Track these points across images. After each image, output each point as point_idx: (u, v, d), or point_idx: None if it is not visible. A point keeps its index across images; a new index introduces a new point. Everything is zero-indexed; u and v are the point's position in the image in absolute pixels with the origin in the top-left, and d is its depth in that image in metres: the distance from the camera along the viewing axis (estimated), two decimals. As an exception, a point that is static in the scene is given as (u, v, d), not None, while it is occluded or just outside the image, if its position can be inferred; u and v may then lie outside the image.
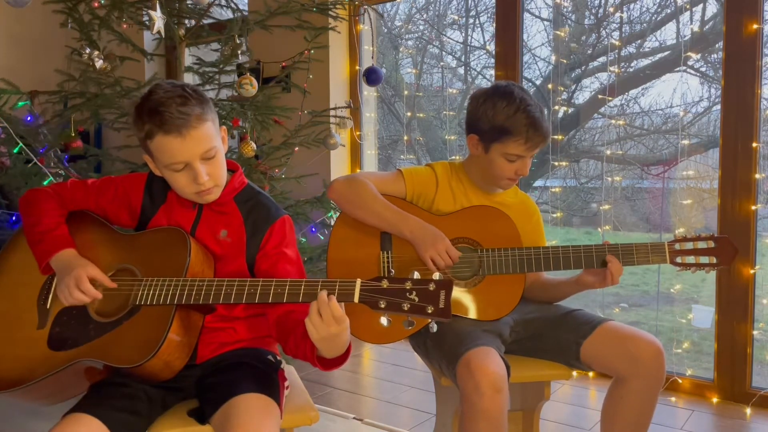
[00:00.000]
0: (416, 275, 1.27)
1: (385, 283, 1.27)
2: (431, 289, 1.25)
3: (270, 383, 1.47)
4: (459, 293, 1.81)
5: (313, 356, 1.36)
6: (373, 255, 1.83)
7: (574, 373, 2.77)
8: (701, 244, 1.75)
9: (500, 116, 1.79)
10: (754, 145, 2.71)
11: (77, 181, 1.62)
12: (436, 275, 1.27)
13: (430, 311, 1.24)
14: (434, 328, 1.30)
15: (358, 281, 1.28)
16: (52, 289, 1.52)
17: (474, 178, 1.93)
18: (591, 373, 3.08)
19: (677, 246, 1.75)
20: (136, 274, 1.47)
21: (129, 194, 1.57)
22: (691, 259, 1.75)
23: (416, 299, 1.25)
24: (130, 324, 1.41)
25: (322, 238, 3.03)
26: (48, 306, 1.51)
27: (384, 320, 1.28)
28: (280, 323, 1.46)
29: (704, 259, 1.75)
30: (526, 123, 1.77)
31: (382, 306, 1.26)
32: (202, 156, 1.43)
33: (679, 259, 1.75)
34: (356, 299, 1.27)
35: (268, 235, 1.53)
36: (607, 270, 1.73)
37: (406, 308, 1.25)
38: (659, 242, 1.77)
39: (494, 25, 3.40)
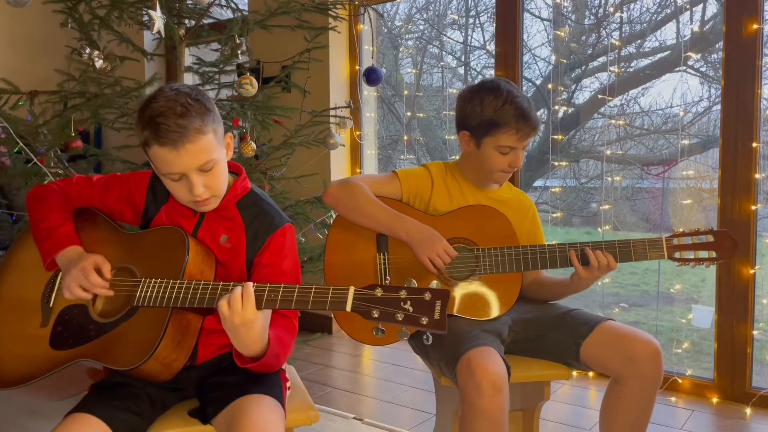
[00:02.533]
0: (413, 283, 1.24)
1: (379, 292, 1.23)
2: (427, 298, 1.21)
3: (273, 384, 1.47)
4: (456, 293, 1.81)
5: (236, 356, 1.37)
6: (369, 257, 1.83)
7: (574, 373, 2.77)
8: (700, 239, 1.74)
9: (489, 110, 1.81)
10: (754, 145, 2.71)
11: (83, 178, 1.61)
12: (434, 284, 1.23)
13: (424, 322, 1.20)
14: (429, 339, 1.27)
15: (351, 289, 1.25)
16: (56, 287, 1.52)
17: (469, 176, 1.94)
18: (591, 373, 3.09)
19: (675, 241, 1.75)
20: (136, 274, 1.46)
21: (133, 192, 1.57)
22: (690, 254, 1.74)
23: (410, 309, 1.21)
24: (128, 325, 1.41)
25: (322, 237, 3.03)
26: (51, 304, 1.51)
27: (378, 332, 1.24)
28: None
29: (703, 254, 1.74)
30: (515, 114, 1.79)
31: (375, 315, 1.22)
32: (198, 168, 1.40)
33: (677, 254, 1.74)
34: (349, 308, 1.25)
35: (266, 245, 1.51)
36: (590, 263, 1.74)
37: (399, 319, 1.21)
38: (656, 237, 1.76)
39: (494, 25, 3.40)
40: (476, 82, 1.93)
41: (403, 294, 1.23)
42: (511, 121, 1.79)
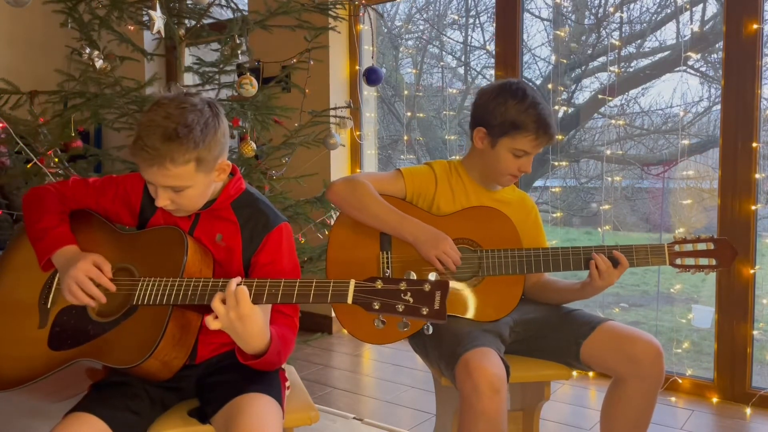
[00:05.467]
0: (412, 275, 1.25)
1: (379, 284, 1.25)
2: (426, 289, 1.23)
3: (272, 383, 1.47)
4: (458, 294, 1.81)
5: (238, 353, 1.38)
6: (372, 255, 1.83)
7: (574, 373, 2.77)
8: (701, 246, 1.76)
9: (512, 111, 1.81)
10: (754, 145, 2.71)
11: (79, 180, 1.61)
12: (432, 275, 1.25)
13: (424, 313, 1.21)
14: (429, 329, 1.28)
15: (352, 282, 1.26)
16: (53, 288, 1.52)
17: (474, 176, 1.93)
18: (591, 373, 3.08)
19: (677, 248, 1.76)
20: (135, 274, 1.47)
21: (129, 194, 1.57)
22: (690, 261, 1.76)
23: (411, 300, 1.22)
24: (128, 324, 1.41)
25: (322, 237, 3.03)
26: (49, 305, 1.51)
27: (379, 323, 1.25)
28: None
29: (704, 261, 1.76)
30: (537, 120, 1.80)
31: (376, 307, 1.24)
32: (165, 187, 1.40)
33: (678, 261, 1.76)
34: (350, 300, 1.26)
35: (263, 244, 1.51)
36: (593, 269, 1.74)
37: (400, 310, 1.22)
38: (659, 244, 1.77)
39: (494, 25, 3.40)
40: (500, 81, 1.92)
41: (403, 285, 1.24)
42: (532, 127, 1.79)
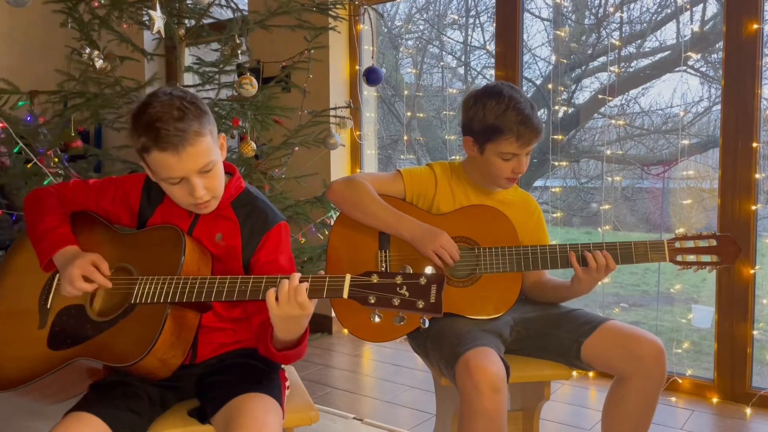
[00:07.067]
0: (408, 269, 1.25)
1: (374, 278, 1.25)
2: (422, 283, 1.23)
3: (272, 383, 1.47)
4: (456, 292, 1.81)
5: (272, 343, 1.39)
6: (371, 254, 1.84)
7: (574, 372, 2.77)
8: (702, 243, 1.74)
9: (490, 116, 1.79)
10: (754, 145, 2.71)
11: (79, 182, 1.62)
12: (428, 269, 1.25)
13: (420, 306, 1.21)
14: (426, 323, 1.28)
15: (348, 276, 1.27)
16: (53, 288, 1.52)
17: (474, 178, 1.94)
18: (591, 373, 3.08)
19: (677, 244, 1.74)
20: (133, 273, 1.47)
21: (128, 195, 1.58)
22: (692, 258, 1.74)
23: (407, 294, 1.22)
24: (126, 323, 1.41)
25: (322, 237, 3.04)
26: (48, 306, 1.51)
27: (375, 317, 1.26)
28: (261, 328, 1.46)
29: (706, 258, 1.73)
30: (516, 120, 1.77)
31: (372, 301, 1.24)
32: (199, 171, 1.41)
33: (679, 258, 1.74)
34: (345, 294, 1.26)
35: (263, 242, 1.52)
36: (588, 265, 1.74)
37: (396, 303, 1.22)
38: (658, 240, 1.76)
39: (494, 25, 3.41)
40: (479, 85, 1.91)
41: (398, 279, 1.24)
42: (512, 128, 1.77)
